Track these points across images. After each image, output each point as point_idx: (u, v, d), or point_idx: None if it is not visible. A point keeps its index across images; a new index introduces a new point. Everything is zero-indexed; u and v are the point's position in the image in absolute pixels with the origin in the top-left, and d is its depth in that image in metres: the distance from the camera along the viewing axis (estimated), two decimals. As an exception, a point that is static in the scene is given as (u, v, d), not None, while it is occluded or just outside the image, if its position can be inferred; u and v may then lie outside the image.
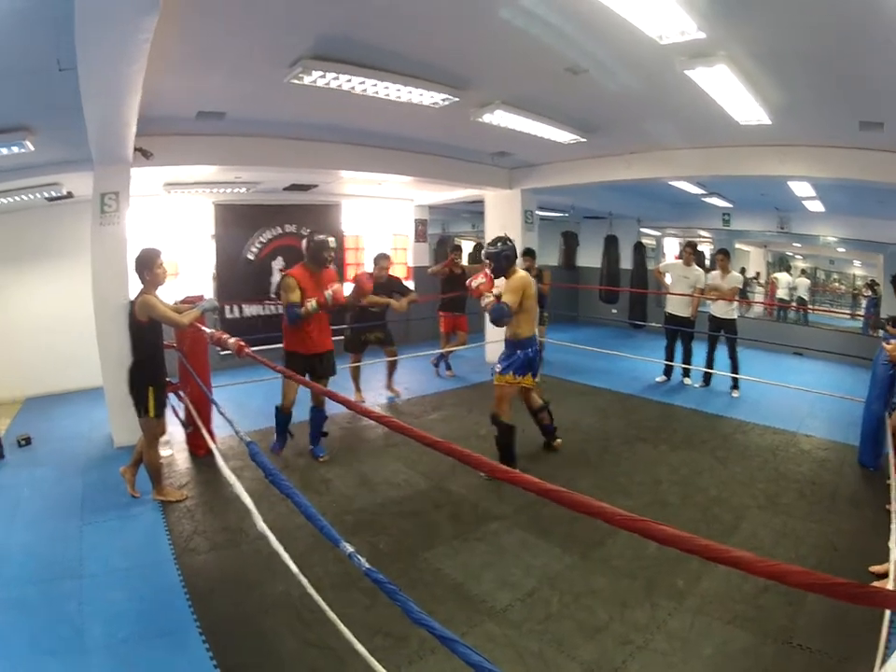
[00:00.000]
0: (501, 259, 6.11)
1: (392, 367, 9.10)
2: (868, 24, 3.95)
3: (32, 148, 5.91)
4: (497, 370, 6.24)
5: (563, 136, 7.87)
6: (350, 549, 2.28)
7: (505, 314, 5.92)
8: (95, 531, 5.06)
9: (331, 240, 6.51)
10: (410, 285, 11.15)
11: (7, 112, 5.28)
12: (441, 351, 10.68)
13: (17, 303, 9.17)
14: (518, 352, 6.15)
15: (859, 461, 6.42)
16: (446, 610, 3.85)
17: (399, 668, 3.34)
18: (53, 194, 8.22)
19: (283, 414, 6.60)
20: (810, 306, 16.46)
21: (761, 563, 1.20)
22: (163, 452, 6.46)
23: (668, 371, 10.32)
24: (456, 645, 1.70)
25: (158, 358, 5.55)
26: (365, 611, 3.84)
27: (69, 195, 8.52)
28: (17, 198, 8.00)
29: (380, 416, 2.38)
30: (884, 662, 2.78)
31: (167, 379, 5.83)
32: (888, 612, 3.18)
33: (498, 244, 6.17)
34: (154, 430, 5.52)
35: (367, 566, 2.18)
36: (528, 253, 10.03)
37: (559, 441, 6.86)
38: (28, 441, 7.15)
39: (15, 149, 5.90)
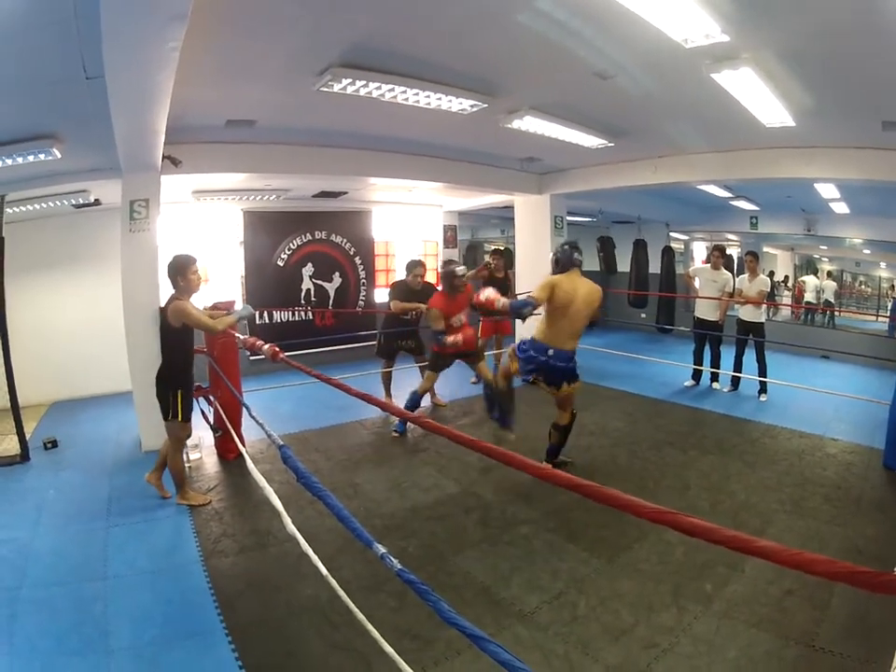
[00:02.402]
0: (553, 262, 6.11)
1: None
2: (890, 25, 3.95)
3: (59, 156, 5.98)
4: (513, 348, 6.26)
5: (591, 141, 7.89)
6: (382, 550, 2.30)
7: (527, 304, 5.73)
8: (122, 533, 5.11)
9: (460, 269, 7.49)
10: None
11: (33, 120, 5.35)
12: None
13: (46, 309, 9.29)
14: (526, 344, 6.06)
15: (884, 464, 6.38)
16: (474, 613, 3.85)
17: (425, 670, 3.36)
18: (80, 201, 8.31)
19: (418, 396, 7.69)
20: (837, 309, 16.37)
21: (786, 552, 1.22)
22: (193, 455, 6.53)
23: (697, 375, 10.26)
24: (486, 643, 1.71)
25: (187, 363, 5.60)
26: (393, 613, 3.86)
27: (97, 202, 8.61)
28: (44, 205, 8.10)
29: (415, 418, 2.40)
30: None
31: (197, 384, 5.90)
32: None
33: (558, 247, 6.22)
34: (180, 434, 5.58)
35: (399, 566, 2.19)
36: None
37: (546, 464, 5.86)
38: (54, 443, 7.23)
39: (42, 157, 5.96)
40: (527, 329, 8.12)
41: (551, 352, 5.86)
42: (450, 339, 7.31)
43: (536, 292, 5.81)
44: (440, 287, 7.80)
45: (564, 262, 5.98)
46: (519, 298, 6.12)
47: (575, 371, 6.07)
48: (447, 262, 7.70)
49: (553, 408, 6.31)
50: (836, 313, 16.16)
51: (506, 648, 1.68)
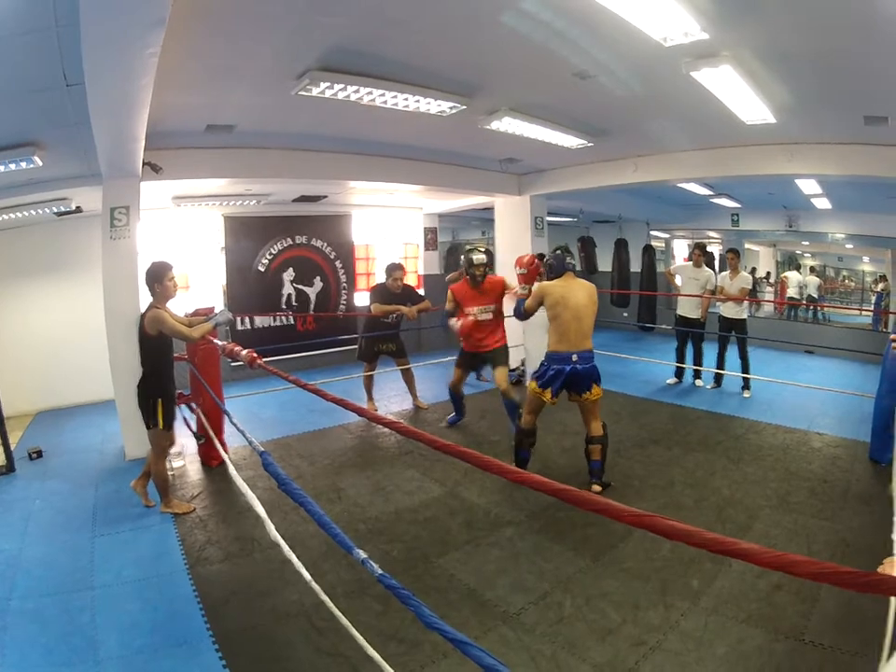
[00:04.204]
0: (546, 268, 6.22)
1: (411, 381, 9.03)
2: (870, 19, 3.95)
3: (40, 164, 5.94)
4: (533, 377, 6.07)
5: (570, 141, 7.88)
6: (363, 555, 2.29)
7: (517, 308, 6.30)
8: (107, 543, 5.08)
9: (476, 257, 7.29)
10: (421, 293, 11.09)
11: (15, 128, 5.30)
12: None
13: (28, 317, 9.23)
14: (544, 364, 5.91)
15: (870, 457, 6.42)
16: (460, 615, 3.86)
17: (412, 673, 3.35)
18: (62, 209, 8.26)
19: (452, 392, 7.95)
20: (820, 304, 16.49)
21: (767, 554, 1.21)
22: (176, 463, 6.51)
23: (679, 372, 10.33)
24: (469, 648, 1.70)
25: (167, 371, 5.57)
26: (377, 618, 3.85)
27: (78, 210, 8.58)
28: (26, 213, 8.03)
29: (392, 423, 2.39)
30: (892, 653, 2.77)
31: (178, 391, 5.87)
32: (894, 602, 3.18)
33: (551, 252, 6.35)
34: (163, 442, 5.54)
35: (380, 571, 2.18)
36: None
37: (596, 486, 5.86)
38: (39, 453, 7.17)
39: (24, 165, 5.92)
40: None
41: (575, 357, 5.77)
42: (452, 320, 7.27)
43: (529, 300, 6.08)
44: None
45: (557, 268, 6.04)
46: (520, 301, 6.33)
47: (598, 370, 5.95)
48: (469, 250, 7.56)
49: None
50: (820, 308, 16.27)
51: (489, 651, 1.67)
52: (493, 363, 7.53)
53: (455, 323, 7.20)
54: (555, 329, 5.83)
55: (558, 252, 6.16)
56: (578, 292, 5.87)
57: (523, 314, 6.22)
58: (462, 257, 7.62)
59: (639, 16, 3.96)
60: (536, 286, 6.10)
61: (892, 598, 3.18)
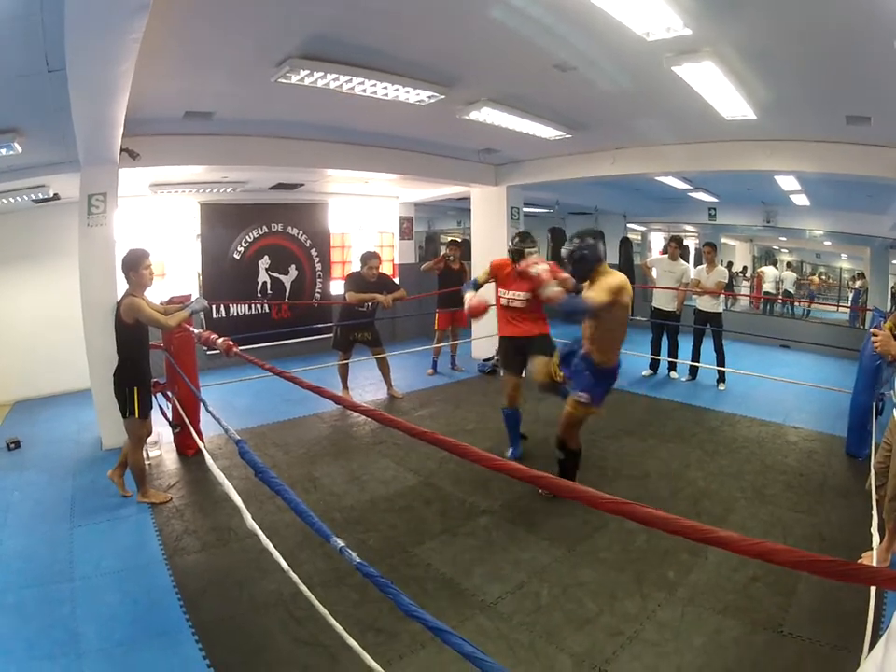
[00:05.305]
0: (577, 262, 5.03)
1: (386, 370, 8.99)
2: (854, 20, 3.97)
3: (19, 150, 5.87)
4: (581, 398, 5.07)
5: (549, 133, 7.89)
6: (341, 543, 2.28)
7: (581, 308, 4.80)
8: (86, 533, 5.03)
9: (529, 250, 6.23)
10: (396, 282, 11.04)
11: (-5, 114, 5.26)
12: (434, 347, 10.54)
13: (4, 306, 9.11)
14: (598, 381, 5.06)
15: (846, 452, 6.47)
16: (437, 605, 3.86)
17: (390, 663, 3.33)
18: (40, 196, 8.15)
19: (509, 411, 6.39)
20: (797, 300, 16.60)
21: (745, 542, 1.22)
22: (152, 452, 6.46)
23: (654, 365, 10.39)
24: (449, 636, 1.70)
25: (143, 359, 5.54)
26: (355, 607, 3.85)
27: (56, 197, 8.46)
28: (3, 200, 7.93)
29: (369, 410, 2.38)
30: (872, 645, 2.78)
31: (153, 379, 5.83)
32: (873, 591, 3.21)
33: (575, 240, 5.04)
34: (139, 431, 5.52)
35: (358, 560, 2.17)
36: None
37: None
38: (17, 444, 7.10)
39: (3, 151, 5.85)
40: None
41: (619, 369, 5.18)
42: (468, 294, 6.00)
43: (596, 294, 4.73)
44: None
45: (591, 260, 4.99)
46: (572, 296, 4.99)
47: None
48: (523, 232, 6.55)
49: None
50: (800, 303, 16.41)
51: (469, 640, 1.67)
52: (534, 349, 6.25)
53: (471, 298, 5.95)
54: (619, 335, 5.05)
55: (589, 240, 4.98)
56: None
57: (588, 311, 4.80)
58: (516, 235, 6.44)
59: (622, 10, 3.96)
60: (608, 279, 4.82)
61: (872, 592, 3.21)
